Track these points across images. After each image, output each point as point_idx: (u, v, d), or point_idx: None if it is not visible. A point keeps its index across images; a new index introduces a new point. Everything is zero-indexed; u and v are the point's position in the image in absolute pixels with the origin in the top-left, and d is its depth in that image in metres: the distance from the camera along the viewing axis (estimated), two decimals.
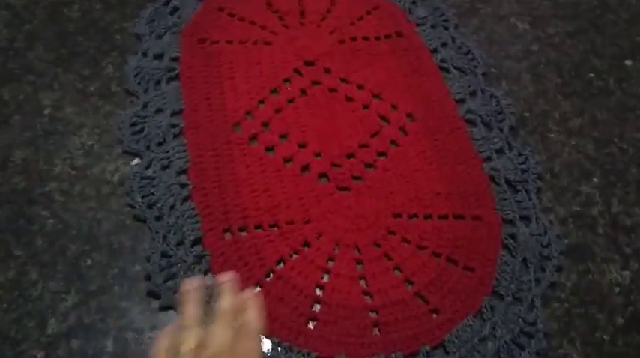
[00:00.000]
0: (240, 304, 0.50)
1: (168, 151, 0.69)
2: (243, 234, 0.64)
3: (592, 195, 0.71)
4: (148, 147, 0.69)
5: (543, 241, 0.66)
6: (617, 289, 0.65)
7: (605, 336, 0.62)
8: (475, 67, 0.80)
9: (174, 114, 0.73)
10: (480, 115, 0.75)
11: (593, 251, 0.67)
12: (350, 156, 0.71)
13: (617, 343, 0.61)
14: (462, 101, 0.77)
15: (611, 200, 0.71)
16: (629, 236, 0.68)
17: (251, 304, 0.51)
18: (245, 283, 0.61)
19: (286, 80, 0.78)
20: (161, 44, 0.80)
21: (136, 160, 0.69)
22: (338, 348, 0.58)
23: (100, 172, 0.68)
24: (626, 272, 0.66)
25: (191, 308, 0.48)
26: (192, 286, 0.50)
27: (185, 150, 0.69)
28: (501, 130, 0.74)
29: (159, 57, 0.78)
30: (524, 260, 0.65)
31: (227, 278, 0.52)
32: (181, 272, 0.61)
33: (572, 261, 0.66)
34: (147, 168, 0.68)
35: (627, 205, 0.71)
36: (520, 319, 0.61)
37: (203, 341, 0.45)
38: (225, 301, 0.50)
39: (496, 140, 0.73)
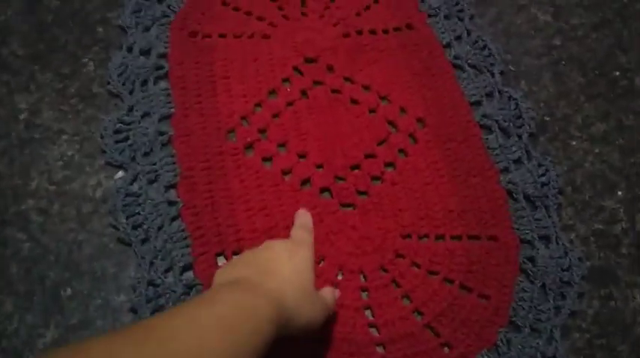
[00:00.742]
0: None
1: (155, 163, 0.63)
2: None
3: (616, 210, 0.66)
4: (133, 159, 0.63)
5: (564, 264, 0.61)
6: None
7: None
8: (492, 64, 0.74)
9: (162, 119, 0.66)
10: (496, 121, 0.69)
11: (616, 274, 0.62)
12: (355, 167, 0.65)
13: None
14: (477, 104, 0.71)
15: (637, 216, 0.66)
16: None
17: (303, 213, 0.60)
18: None
19: (285, 80, 0.71)
20: (148, 38, 0.72)
21: (120, 173, 0.63)
22: None
23: (81, 187, 0.62)
24: None
25: None
26: None
27: (174, 162, 0.63)
28: (520, 137, 0.68)
29: (146, 53, 0.71)
30: (544, 286, 0.60)
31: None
32: (170, 304, 0.56)
33: (594, 285, 0.61)
34: (132, 182, 0.62)
35: None
36: (538, 353, 0.56)
37: None
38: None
39: (514, 149, 0.67)
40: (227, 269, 0.48)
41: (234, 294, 0.43)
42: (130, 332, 0.37)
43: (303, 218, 0.59)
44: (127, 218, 0.59)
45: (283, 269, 0.48)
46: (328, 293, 0.53)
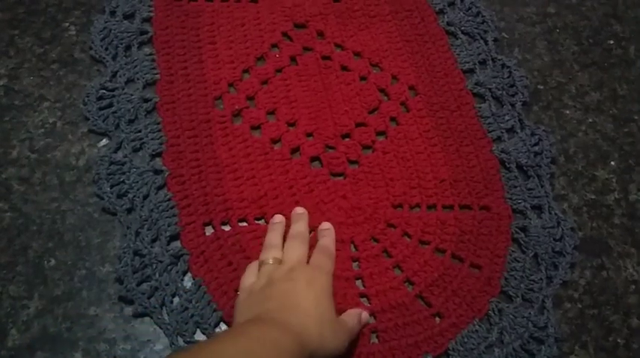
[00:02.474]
0: (319, 234, 0.57)
1: (140, 131, 0.61)
2: (226, 228, 0.58)
3: (609, 180, 0.65)
4: (117, 126, 0.61)
5: (556, 234, 0.60)
6: (632, 287, 0.60)
7: (619, 340, 0.57)
8: (485, 31, 0.72)
9: (146, 86, 0.64)
10: (489, 89, 0.68)
11: (608, 244, 0.62)
12: (345, 136, 0.64)
13: (631, 347, 0.57)
14: (470, 72, 0.69)
15: (629, 186, 0.65)
16: None
17: (327, 233, 0.57)
18: (229, 285, 0.55)
19: (274, 46, 0.69)
20: (132, 1, 0.70)
21: (104, 141, 0.61)
22: None
23: (64, 155, 0.60)
24: None
25: (274, 236, 0.56)
26: (278, 219, 0.57)
27: (160, 130, 0.61)
28: (513, 106, 0.67)
29: (129, 17, 0.69)
30: (536, 256, 0.59)
31: (301, 210, 0.59)
32: (157, 274, 0.54)
33: (586, 255, 0.61)
34: (116, 150, 0.60)
35: None
36: (530, 323, 0.56)
37: (281, 259, 0.53)
38: (299, 225, 0.57)
39: (507, 118, 0.66)
40: (249, 302, 0.49)
41: (257, 328, 0.44)
42: None
43: (327, 240, 0.57)
44: (112, 187, 0.58)
45: (303, 301, 0.48)
46: (352, 317, 0.52)
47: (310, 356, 0.45)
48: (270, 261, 0.53)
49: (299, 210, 0.59)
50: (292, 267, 0.51)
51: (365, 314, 0.54)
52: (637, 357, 0.57)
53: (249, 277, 0.53)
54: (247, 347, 0.42)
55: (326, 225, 0.58)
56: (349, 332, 0.50)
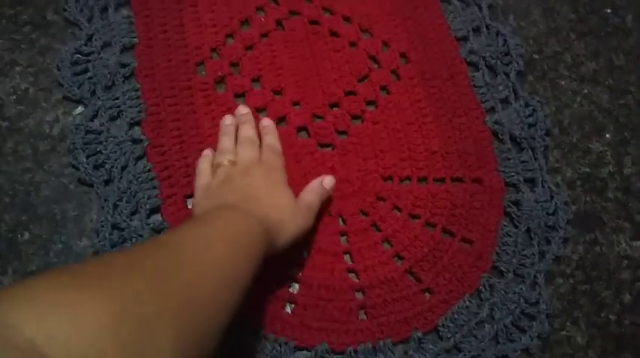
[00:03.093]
0: (259, 131, 0.57)
1: (117, 98, 0.58)
2: None
3: (603, 153, 0.63)
4: (93, 93, 0.58)
5: (549, 208, 0.59)
6: (625, 262, 0.59)
7: (611, 316, 0.56)
8: None
9: (124, 50, 0.61)
10: (483, 57, 0.65)
11: (602, 219, 0.60)
12: (334, 105, 0.61)
13: (623, 323, 0.56)
14: (463, 39, 0.66)
15: (624, 159, 0.63)
16: None
17: (269, 130, 0.57)
18: None
19: (259, 9, 0.65)
20: None
21: (79, 109, 0.58)
22: (319, 336, 0.51)
23: (37, 124, 0.57)
24: (637, 243, 0.60)
25: (226, 138, 0.56)
26: (229, 121, 0.57)
27: (138, 97, 0.58)
28: (507, 76, 0.65)
29: None
30: (528, 230, 0.58)
31: (245, 110, 0.58)
32: None
33: (579, 230, 0.59)
34: (92, 118, 0.57)
35: None
36: (521, 299, 0.55)
37: (235, 161, 0.53)
38: (247, 129, 0.57)
39: (501, 88, 0.64)
40: (208, 196, 0.50)
41: (229, 213, 0.45)
42: (144, 247, 0.40)
43: (271, 138, 0.57)
44: (88, 157, 0.55)
45: (262, 193, 0.50)
46: (309, 193, 0.53)
47: (273, 241, 0.47)
48: (226, 163, 0.53)
49: (243, 110, 0.58)
50: (248, 166, 0.52)
51: (327, 181, 0.55)
52: (628, 333, 0.56)
53: (203, 177, 0.53)
54: (222, 228, 0.43)
55: (266, 121, 0.58)
56: (307, 210, 0.52)
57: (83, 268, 0.33)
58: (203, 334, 0.35)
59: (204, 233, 0.41)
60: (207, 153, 0.55)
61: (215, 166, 0.53)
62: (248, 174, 0.51)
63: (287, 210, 0.50)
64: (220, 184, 0.51)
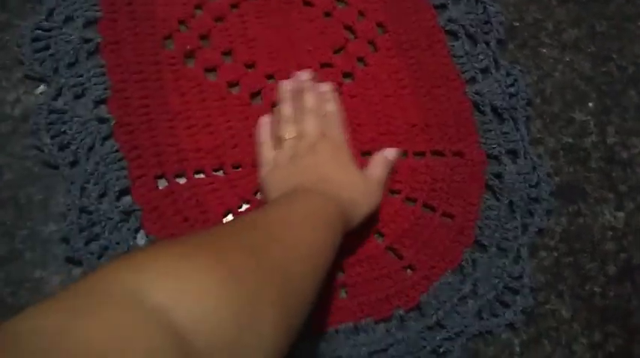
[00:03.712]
0: (320, 97, 0.55)
1: (82, 75, 0.55)
2: (182, 180, 0.53)
3: (586, 122, 0.62)
4: (56, 71, 0.55)
5: (532, 180, 0.57)
6: (609, 233, 0.58)
7: (595, 288, 0.56)
8: None
9: (87, 24, 0.57)
10: (463, 26, 0.63)
11: (585, 190, 0.59)
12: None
13: (608, 296, 0.56)
14: (442, 7, 0.64)
15: (607, 129, 0.62)
16: (625, 171, 0.61)
17: (330, 96, 0.56)
18: None
19: None
20: None
21: (42, 87, 0.55)
22: None
23: None
24: (621, 214, 0.59)
25: (287, 106, 0.54)
26: (289, 86, 0.56)
27: (103, 74, 0.55)
28: (488, 44, 0.62)
29: None
30: (511, 203, 0.56)
31: (306, 76, 0.56)
32: (106, 233, 0.50)
33: (563, 201, 0.58)
34: (56, 97, 0.54)
35: (624, 134, 0.62)
36: (505, 273, 0.54)
37: (299, 133, 0.52)
38: (310, 98, 0.54)
39: (481, 57, 0.62)
40: (278, 176, 0.50)
41: (306, 196, 0.45)
42: (236, 226, 0.40)
43: (332, 105, 0.55)
44: (52, 138, 0.52)
45: (331, 172, 0.49)
46: (377, 167, 0.53)
47: (347, 219, 0.46)
48: (288, 136, 0.53)
49: (304, 75, 0.57)
50: (314, 141, 0.51)
51: (390, 152, 0.54)
52: (613, 305, 0.55)
53: (268, 150, 0.53)
54: (305, 212, 0.43)
55: (326, 86, 0.57)
56: (378, 186, 0.52)
57: (192, 240, 0.35)
58: (298, 311, 0.37)
59: (288, 215, 0.42)
60: (265, 120, 0.55)
61: (278, 139, 0.53)
62: (315, 152, 0.51)
63: (359, 189, 0.50)
64: (289, 163, 0.51)
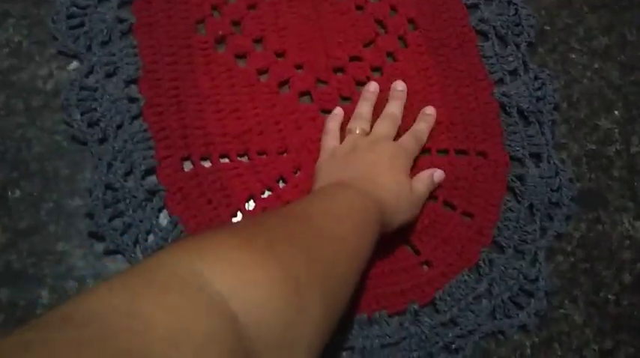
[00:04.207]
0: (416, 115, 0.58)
1: (114, 54, 0.56)
2: (207, 164, 0.54)
3: (611, 131, 0.62)
4: (89, 48, 0.56)
5: (553, 185, 0.57)
6: (627, 242, 0.58)
7: (610, 296, 0.56)
8: None
9: (122, 4, 0.58)
10: (494, 27, 0.63)
11: (606, 197, 0.59)
12: (338, 70, 0.59)
13: (621, 303, 0.56)
14: (474, 7, 0.64)
15: (631, 138, 0.62)
16: None
17: (427, 119, 0.57)
18: (208, 225, 0.51)
19: None
20: None
21: (74, 64, 0.56)
22: None
23: (30, 78, 0.55)
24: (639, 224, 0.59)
25: (366, 105, 0.56)
26: (373, 88, 0.58)
27: (136, 54, 0.56)
28: (518, 47, 0.63)
29: None
30: (531, 206, 0.57)
31: (402, 87, 0.58)
32: (130, 210, 0.51)
33: (583, 208, 0.58)
34: (88, 74, 0.55)
35: None
36: (520, 275, 0.54)
37: (368, 132, 0.54)
38: (395, 106, 0.57)
39: (510, 59, 0.62)
40: (332, 164, 0.51)
41: (348, 192, 0.46)
42: (281, 218, 0.41)
43: (423, 126, 0.57)
44: (82, 114, 0.53)
45: (383, 176, 0.49)
46: (423, 183, 0.53)
47: (385, 223, 0.47)
48: (357, 131, 0.54)
49: (399, 86, 0.58)
50: (377, 140, 0.53)
51: (437, 174, 0.55)
52: (626, 313, 0.55)
53: (332, 140, 0.54)
54: (347, 206, 0.44)
55: (429, 110, 0.58)
56: (419, 200, 0.53)
57: (249, 230, 0.37)
58: (341, 302, 0.38)
59: (329, 209, 0.43)
60: (338, 111, 0.56)
61: (346, 131, 0.55)
62: (375, 151, 0.51)
63: (403, 199, 0.50)
64: (346, 155, 0.52)
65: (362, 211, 0.44)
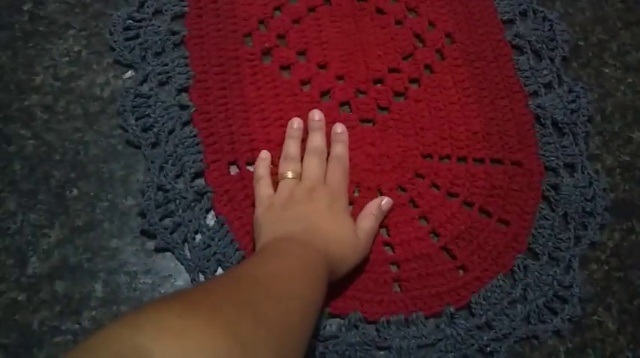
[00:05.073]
0: (332, 137, 0.57)
1: (167, 64, 0.59)
2: (251, 168, 0.56)
3: None
4: (143, 58, 0.59)
5: (587, 194, 0.59)
6: None
7: None
8: None
9: (175, 18, 0.62)
10: (529, 41, 0.65)
11: (639, 207, 0.60)
12: (377, 81, 0.62)
13: None
14: (509, 22, 0.66)
15: None
16: None
17: (341, 138, 0.57)
18: (252, 226, 0.54)
19: None
20: None
21: (130, 73, 0.59)
22: (353, 304, 0.52)
23: (88, 85, 0.59)
24: None
25: (293, 144, 0.56)
26: (297, 125, 0.57)
27: (187, 65, 0.59)
28: (552, 61, 0.64)
29: None
30: (565, 215, 0.58)
31: (318, 116, 0.58)
32: (180, 210, 0.53)
33: (616, 217, 0.59)
34: (142, 83, 0.58)
35: None
36: (555, 281, 0.55)
37: (300, 174, 0.54)
38: (317, 138, 0.56)
39: (545, 72, 0.64)
40: (272, 219, 0.50)
41: (297, 249, 0.46)
42: (231, 280, 0.40)
43: (341, 149, 0.56)
44: (137, 120, 0.56)
45: (325, 224, 0.49)
46: (367, 220, 0.53)
47: (332, 274, 0.47)
48: (290, 176, 0.53)
49: (316, 116, 0.58)
50: (313, 186, 0.52)
51: (385, 202, 0.55)
52: None
53: (265, 188, 0.53)
54: (296, 263, 0.44)
55: (339, 128, 0.58)
56: (366, 241, 0.52)
57: (192, 296, 0.36)
58: None
59: (280, 269, 0.43)
60: (265, 155, 0.56)
61: (278, 176, 0.54)
62: (312, 200, 0.51)
63: (348, 244, 0.50)
64: (283, 206, 0.51)
65: (310, 266, 0.44)
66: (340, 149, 0.56)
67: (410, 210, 0.57)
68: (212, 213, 0.54)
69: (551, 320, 0.54)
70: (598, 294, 0.56)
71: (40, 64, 0.59)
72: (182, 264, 0.52)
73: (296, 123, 0.57)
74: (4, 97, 0.57)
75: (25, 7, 0.62)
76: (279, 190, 0.53)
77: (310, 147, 0.56)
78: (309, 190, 0.52)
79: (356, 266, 0.51)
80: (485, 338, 0.52)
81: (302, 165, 0.55)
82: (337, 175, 0.54)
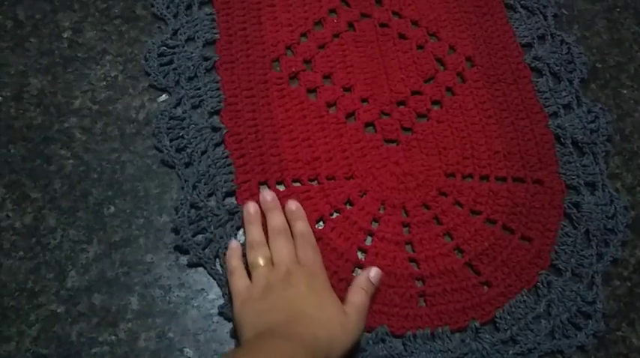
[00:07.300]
0: (288, 217, 0.55)
1: (199, 88, 0.62)
2: (281, 188, 0.59)
3: None
4: (177, 83, 0.62)
5: (609, 212, 0.60)
6: None
7: None
8: (545, 6, 0.71)
9: (206, 44, 0.65)
10: (547, 64, 0.67)
11: None
12: (400, 103, 0.64)
13: None
14: (528, 46, 0.69)
15: None
16: None
17: (298, 215, 0.56)
18: None
19: (332, 11, 0.69)
20: None
21: (164, 96, 0.62)
22: (379, 319, 0.54)
23: (124, 108, 0.61)
24: None
25: (254, 229, 0.54)
26: (253, 209, 0.55)
27: (218, 88, 0.62)
28: (571, 83, 0.66)
29: None
30: (587, 232, 0.59)
31: (270, 197, 0.57)
32: (212, 227, 0.55)
33: (637, 235, 0.60)
34: (176, 106, 0.61)
35: None
36: (578, 297, 0.56)
37: (271, 258, 0.52)
38: (276, 218, 0.55)
39: (564, 94, 0.66)
40: (252, 313, 0.49)
41: (274, 344, 0.44)
42: None
43: (302, 225, 0.55)
44: (171, 141, 0.59)
45: (308, 308, 0.48)
46: (356, 294, 0.51)
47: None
48: (262, 263, 0.52)
49: (268, 196, 0.56)
50: (288, 269, 0.50)
51: (373, 273, 0.53)
52: None
53: (240, 280, 0.52)
54: None
55: (293, 205, 0.56)
56: (358, 316, 0.50)
57: None
58: None
59: None
60: (235, 245, 0.54)
61: (250, 266, 0.52)
62: (290, 284, 0.49)
63: (336, 324, 0.48)
64: (262, 296, 0.49)
65: None
66: (301, 226, 0.55)
67: (434, 227, 0.58)
68: (242, 230, 0.56)
69: (576, 335, 0.55)
70: (621, 310, 0.57)
71: (78, 88, 0.62)
72: (214, 278, 0.54)
73: (252, 208, 0.55)
74: (44, 120, 0.60)
75: (65, 35, 0.65)
76: (254, 280, 0.51)
77: (272, 228, 0.54)
78: (285, 275, 0.50)
79: (351, 346, 0.48)
80: (510, 352, 0.53)
81: (269, 248, 0.53)
82: (308, 252, 0.53)
